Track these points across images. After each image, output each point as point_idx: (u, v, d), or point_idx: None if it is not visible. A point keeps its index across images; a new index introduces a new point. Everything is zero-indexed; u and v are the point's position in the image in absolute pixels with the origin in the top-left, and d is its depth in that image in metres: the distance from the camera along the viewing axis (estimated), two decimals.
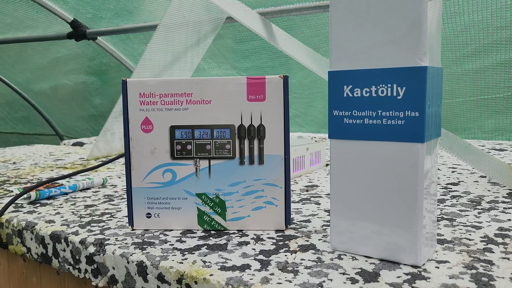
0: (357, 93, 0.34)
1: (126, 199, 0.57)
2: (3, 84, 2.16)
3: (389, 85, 0.32)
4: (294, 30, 1.13)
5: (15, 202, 0.55)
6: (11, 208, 0.53)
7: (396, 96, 0.32)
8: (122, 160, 0.88)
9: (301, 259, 0.35)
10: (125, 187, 0.63)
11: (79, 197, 0.59)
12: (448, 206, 0.49)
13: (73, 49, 1.63)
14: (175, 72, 0.93)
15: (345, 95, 0.34)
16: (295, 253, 0.36)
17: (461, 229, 0.41)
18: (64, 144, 1.29)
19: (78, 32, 1.41)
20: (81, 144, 1.22)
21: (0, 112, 2.50)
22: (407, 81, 0.31)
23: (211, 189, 0.43)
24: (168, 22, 0.77)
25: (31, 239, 0.47)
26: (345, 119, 0.34)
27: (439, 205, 0.50)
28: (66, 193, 0.61)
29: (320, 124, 1.34)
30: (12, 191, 0.62)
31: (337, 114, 0.35)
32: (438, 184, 0.61)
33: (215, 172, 0.42)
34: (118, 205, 0.54)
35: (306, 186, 0.61)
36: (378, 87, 0.33)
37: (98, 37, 1.49)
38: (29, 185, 0.67)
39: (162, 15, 0.73)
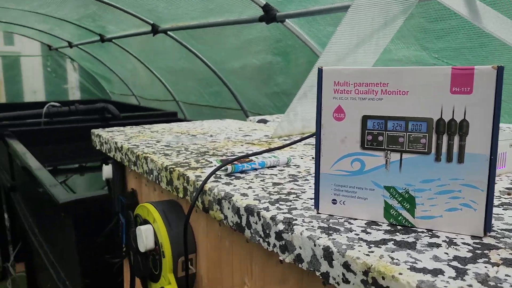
0: None
1: (309, 181, 0.59)
2: (201, 63, 2.46)
3: None
4: (502, 5, 0.97)
5: (215, 173, 0.63)
6: (212, 178, 0.61)
7: None
8: (305, 141, 0.92)
9: (506, 275, 0.31)
10: (308, 168, 0.65)
11: (266, 174, 0.63)
12: None
13: (263, 32, 1.75)
14: (360, 55, 0.91)
15: None
16: (498, 266, 0.33)
17: None
18: (250, 120, 1.41)
19: (269, 15, 1.50)
20: (265, 122, 1.31)
21: (198, 87, 2.86)
22: None
23: (400, 183, 0.41)
24: (359, 3, 0.75)
25: (228, 208, 0.53)
26: None
27: None
28: (256, 169, 0.66)
29: None
30: (211, 162, 0.71)
31: None
32: None
33: (406, 166, 0.41)
34: (302, 186, 0.57)
35: (508, 189, 0.54)
36: None
37: (286, 20, 1.56)
38: (224, 157, 0.75)
39: None
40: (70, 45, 4.09)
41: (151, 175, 0.75)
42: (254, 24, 1.66)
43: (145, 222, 0.72)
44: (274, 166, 0.69)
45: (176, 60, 2.81)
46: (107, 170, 0.98)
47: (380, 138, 0.42)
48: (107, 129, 1.09)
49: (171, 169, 0.67)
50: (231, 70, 2.28)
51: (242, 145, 0.88)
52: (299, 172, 0.65)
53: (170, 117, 3.17)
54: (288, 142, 0.90)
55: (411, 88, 0.40)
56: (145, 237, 0.69)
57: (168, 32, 2.32)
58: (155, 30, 2.33)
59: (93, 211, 1.18)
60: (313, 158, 0.75)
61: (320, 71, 0.44)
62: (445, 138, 0.39)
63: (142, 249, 0.70)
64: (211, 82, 2.61)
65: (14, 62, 5.06)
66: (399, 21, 0.88)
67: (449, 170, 0.39)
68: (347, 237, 0.39)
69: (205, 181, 0.58)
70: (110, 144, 0.95)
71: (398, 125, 0.41)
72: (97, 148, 1.06)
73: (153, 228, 0.70)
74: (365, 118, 0.42)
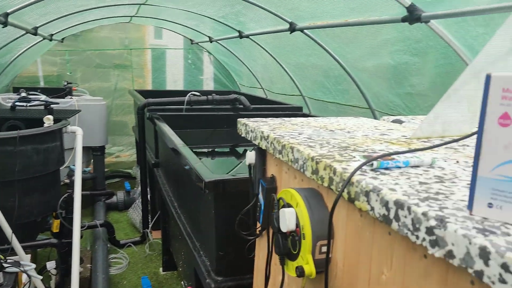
0: None
1: (456, 184, 0.60)
2: (332, 60, 2.49)
3: None
4: None
5: (362, 167, 0.67)
6: (358, 171, 0.65)
7: None
8: (448, 145, 0.91)
9: None
10: (453, 171, 0.65)
11: (411, 173, 0.65)
12: None
13: (403, 32, 1.71)
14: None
15: None
16: None
17: None
18: (384, 120, 1.41)
19: (413, 15, 1.47)
20: (400, 122, 1.30)
21: (326, 83, 2.90)
22: None
23: None
24: None
25: (376, 200, 0.56)
26: None
27: None
28: (399, 167, 0.69)
29: None
30: (355, 157, 0.75)
31: None
32: None
33: None
34: (450, 187, 0.58)
35: None
36: None
37: (431, 20, 1.51)
38: (366, 153, 0.79)
39: None
40: (210, 40, 4.44)
41: (296, 164, 0.82)
42: (395, 24, 1.64)
43: (288, 205, 0.80)
44: (418, 166, 0.70)
45: (307, 56, 2.88)
46: (250, 156, 1.09)
47: None
48: (251, 119, 1.20)
49: (318, 160, 0.73)
50: (363, 69, 2.27)
51: (381, 143, 0.90)
52: (445, 174, 0.65)
53: (296, 111, 3.26)
54: (428, 144, 0.89)
55: None
56: (288, 219, 0.76)
57: (304, 30, 2.40)
58: (292, 28, 2.42)
59: (233, 191, 1.30)
60: (457, 162, 0.74)
61: (488, 77, 0.45)
62: None
63: (284, 229, 0.77)
64: (340, 79, 2.63)
65: (161, 54, 5.67)
66: None
67: None
68: (505, 240, 0.40)
69: (353, 173, 0.62)
70: (256, 132, 1.05)
71: None
72: (242, 135, 1.17)
73: (295, 212, 0.77)
74: None
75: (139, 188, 3.82)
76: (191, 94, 3.23)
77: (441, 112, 0.98)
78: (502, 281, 0.38)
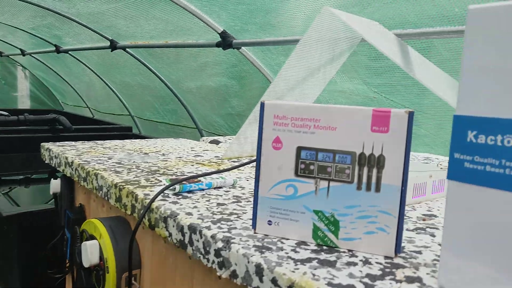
0: (481, 140, 0.34)
1: (251, 202, 0.64)
2: (159, 81, 2.48)
3: None
4: (432, 51, 1.09)
5: (163, 192, 0.66)
6: (159, 196, 0.64)
7: None
8: (253, 164, 0.97)
9: None
10: (252, 190, 0.70)
11: (212, 195, 0.67)
12: None
13: (219, 56, 1.81)
14: (308, 86, 0.97)
15: (468, 140, 0.35)
16: (401, 283, 0.38)
17: None
18: (203, 141, 1.44)
19: (225, 41, 1.56)
20: (217, 142, 1.35)
21: (154, 103, 2.87)
22: None
23: (327, 208, 0.46)
24: (308, 39, 0.82)
25: (173, 226, 0.56)
26: (465, 163, 0.35)
27: None
28: (203, 189, 0.70)
29: None
30: (161, 181, 0.74)
31: (458, 157, 0.36)
32: None
33: (333, 193, 0.46)
34: (244, 207, 0.61)
35: (424, 215, 0.61)
36: (505, 136, 0.33)
37: (242, 47, 1.63)
38: (174, 177, 0.78)
39: (300, 31, 0.79)
40: (23, 53, 3.97)
41: (101, 192, 0.77)
42: (211, 48, 1.72)
43: (92, 237, 0.74)
44: (221, 187, 0.73)
45: (133, 75, 2.81)
46: (55, 184, 0.98)
47: (312, 167, 0.47)
48: (57, 143, 1.09)
49: (121, 187, 0.70)
50: (187, 90, 2.32)
51: (192, 165, 0.91)
52: (243, 193, 0.69)
53: (125, 132, 3.13)
54: (237, 164, 0.94)
55: (339, 125, 0.45)
56: (89, 252, 0.70)
57: (126, 49, 2.33)
58: (113, 46, 2.33)
59: (38, 225, 1.16)
60: None
61: (262, 104, 0.49)
62: (365, 170, 0.45)
63: (86, 264, 0.71)
64: (168, 99, 2.63)
65: None
66: (343, 58, 0.96)
67: (368, 198, 0.45)
68: (277, 255, 0.44)
69: (152, 200, 0.61)
70: (60, 158, 0.96)
71: (327, 157, 0.46)
72: (46, 161, 1.05)
73: (99, 244, 0.71)
74: (299, 149, 0.47)
75: None
76: None
77: (248, 133, 1.05)
78: None
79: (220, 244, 0.47)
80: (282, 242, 0.47)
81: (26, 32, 2.99)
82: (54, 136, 2.95)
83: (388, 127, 0.44)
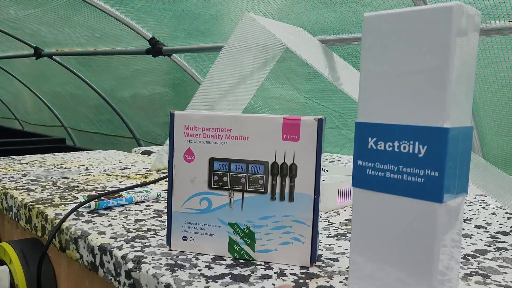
0: (380, 146, 0.34)
1: None
2: (91, 90, 2.37)
3: (411, 142, 0.32)
4: (356, 57, 1.12)
5: (77, 210, 0.62)
6: (72, 215, 0.60)
7: (418, 153, 0.32)
8: None
9: None
10: None
11: (132, 210, 0.64)
12: (488, 259, 0.47)
13: (151, 63, 1.76)
14: (240, 91, 0.96)
15: (369, 147, 0.35)
16: None
17: None
18: (135, 152, 1.39)
19: (155, 48, 1.52)
20: (149, 153, 1.31)
21: (88, 114, 2.74)
22: (428, 140, 0.31)
23: (242, 220, 0.45)
24: (231, 46, 0.81)
25: (84, 247, 0.52)
26: (368, 169, 0.35)
27: (479, 256, 0.48)
28: (122, 205, 0.66)
29: None
30: (77, 198, 0.69)
31: (361, 164, 0.35)
32: (486, 231, 0.58)
33: (247, 204, 0.45)
34: (165, 222, 0.58)
35: (346, 220, 0.61)
36: (401, 142, 0.33)
37: (173, 54, 1.59)
38: (94, 193, 0.74)
39: (228, 37, 0.78)
40: None
41: (10, 213, 0.71)
42: (143, 55, 1.67)
43: (2, 262, 0.67)
44: (143, 202, 0.69)
45: (63, 85, 2.67)
46: None
47: (225, 178, 0.45)
48: None
49: (31, 206, 0.64)
50: (121, 99, 2.24)
51: (116, 179, 0.87)
52: (166, 207, 0.66)
53: (58, 144, 2.97)
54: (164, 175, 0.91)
55: (251, 134, 0.44)
56: None
57: (54, 57, 2.21)
58: (38, 53, 2.20)
59: None
60: None
61: (172, 115, 0.47)
62: (278, 180, 0.44)
63: None
64: (102, 109, 2.53)
65: None
66: (270, 64, 0.96)
67: (282, 208, 0.44)
68: (189, 273, 0.41)
69: (63, 220, 0.57)
70: None
71: (240, 167, 0.45)
72: None
73: (9, 269, 0.65)
74: (211, 160, 0.46)
75: None
76: None
77: None
78: None
79: (130, 265, 0.45)
80: (197, 259, 0.45)
81: None
82: None
83: (298, 135, 0.43)
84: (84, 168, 0.98)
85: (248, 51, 0.83)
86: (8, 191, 0.72)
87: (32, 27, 1.91)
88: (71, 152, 1.22)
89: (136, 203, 0.68)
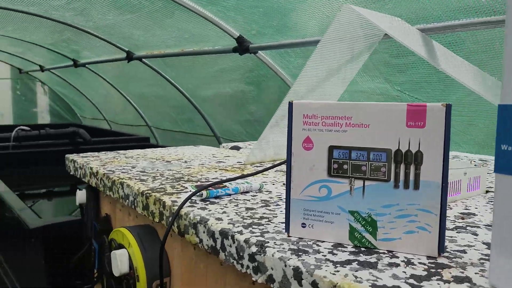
0: None
1: (280, 206, 0.62)
2: (175, 90, 2.49)
3: None
4: (458, 45, 1.06)
5: (191, 198, 0.65)
6: (187, 203, 0.63)
7: None
8: (277, 168, 0.96)
9: None
10: (279, 194, 0.69)
11: (240, 199, 0.66)
12: None
13: (236, 62, 1.81)
14: (328, 87, 0.96)
15: None
16: (449, 283, 0.36)
17: None
18: (223, 147, 1.44)
19: (242, 47, 1.56)
20: (237, 148, 1.35)
21: (171, 113, 2.89)
22: None
23: (364, 208, 0.45)
24: (328, 39, 0.81)
25: (204, 232, 0.55)
26: None
27: None
28: (229, 195, 0.69)
29: (481, 144, 1.23)
30: (186, 188, 0.73)
31: (505, 148, 0.34)
32: None
33: (368, 192, 0.45)
34: (274, 211, 0.60)
35: (461, 214, 0.59)
36: None
37: (259, 51, 1.62)
38: (199, 183, 0.78)
39: (317, 31, 0.78)
40: (42, 69, 4.05)
41: (127, 200, 0.76)
42: (228, 54, 1.72)
43: (120, 246, 0.73)
44: (247, 192, 0.72)
45: (150, 86, 2.84)
46: (80, 195, 0.99)
47: (345, 166, 0.45)
48: (81, 154, 1.10)
49: (147, 194, 0.69)
50: (204, 98, 2.33)
51: (216, 171, 0.90)
52: (271, 197, 0.68)
53: (142, 142, 3.16)
54: (261, 168, 0.93)
55: (372, 122, 0.44)
56: (119, 262, 0.70)
57: (143, 59, 2.35)
58: (129, 57, 2.35)
59: (64, 236, 1.16)
60: (283, 184, 0.78)
61: (290, 104, 0.48)
62: (402, 167, 0.43)
63: (116, 273, 0.71)
64: (184, 108, 2.64)
65: None
66: (364, 56, 0.94)
67: (406, 196, 0.43)
68: (315, 258, 0.42)
69: (181, 206, 0.60)
70: (85, 169, 0.96)
71: (361, 155, 0.45)
72: (71, 173, 1.06)
73: (128, 253, 0.71)
74: (331, 148, 0.46)
75: None
76: (19, 129, 2.88)
77: (270, 138, 1.04)
78: None
79: (254, 249, 0.46)
80: (317, 245, 0.46)
81: (45, 48, 3.05)
82: (74, 149, 2.99)
83: (424, 122, 0.42)
84: (183, 162, 1.03)
85: (344, 44, 0.82)
86: (124, 180, 0.78)
87: (126, 32, 2.05)
88: (167, 147, 1.29)
89: (241, 193, 0.71)
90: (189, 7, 1.53)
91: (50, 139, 2.96)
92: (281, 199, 0.66)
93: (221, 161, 1.05)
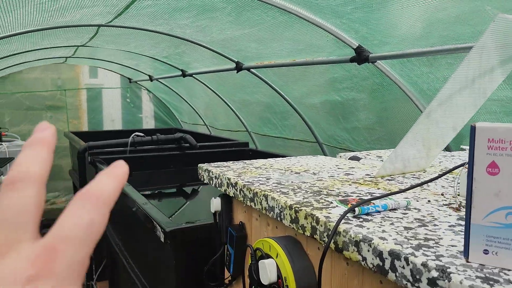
0: None
1: (438, 226, 0.61)
2: (280, 98, 2.55)
3: None
4: None
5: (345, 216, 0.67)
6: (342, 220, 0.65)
7: None
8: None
9: None
10: (430, 212, 0.67)
11: (392, 217, 0.66)
12: None
13: (350, 71, 1.80)
14: (464, 99, 0.92)
15: None
16: None
17: None
18: (340, 157, 1.44)
19: (361, 56, 1.55)
20: (357, 159, 1.34)
21: (273, 119, 2.95)
22: None
23: None
24: (481, 48, 0.77)
25: (368, 250, 0.56)
26: None
27: None
28: (379, 211, 0.70)
29: None
30: (331, 202, 0.75)
31: None
32: None
33: None
34: (435, 231, 0.59)
35: None
36: None
37: (378, 61, 1.60)
38: (340, 197, 0.79)
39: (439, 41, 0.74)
40: (151, 78, 4.39)
41: (272, 212, 0.80)
42: (342, 63, 1.72)
43: (267, 256, 0.77)
44: (395, 209, 0.71)
45: (253, 93, 2.93)
46: (216, 203, 1.05)
47: None
48: (212, 164, 1.18)
49: (296, 209, 0.72)
50: (310, 105, 2.35)
51: (349, 185, 0.91)
52: (423, 216, 0.67)
53: (242, 147, 3.27)
54: (393, 182, 0.92)
55: None
56: (269, 271, 0.74)
57: (251, 70, 2.44)
58: (239, 67, 2.46)
59: (193, 239, 1.25)
60: (428, 201, 0.77)
61: (473, 128, 0.47)
62: None
63: (265, 281, 0.75)
64: (287, 115, 2.69)
65: (97, 94, 5.50)
66: (509, 68, 0.89)
67: None
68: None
69: (338, 222, 0.62)
70: (221, 179, 1.03)
71: None
72: (205, 181, 1.14)
73: (276, 263, 0.74)
74: None
75: None
76: (135, 135, 3.14)
77: (399, 151, 1.02)
78: None
79: (435, 273, 0.46)
80: (505, 273, 0.45)
81: (159, 60, 3.31)
82: (181, 154, 3.20)
83: None
84: (311, 173, 1.05)
85: (497, 50, 0.78)
86: (267, 193, 0.82)
87: (240, 45, 2.15)
88: (288, 157, 1.33)
89: (389, 210, 0.71)
90: (311, 20, 1.55)
91: (160, 144, 3.19)
92: (436, 219, 0.65)
93: (349, 173, 1.06)
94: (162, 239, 1.29)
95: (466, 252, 0.48)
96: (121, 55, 3.65)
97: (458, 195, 0.82)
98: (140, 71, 4.42)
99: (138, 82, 5.34)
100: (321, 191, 0.84)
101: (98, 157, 2.78)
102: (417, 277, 0.49)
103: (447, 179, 0.99)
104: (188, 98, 4.47)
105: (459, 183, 0.83)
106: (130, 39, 2.71)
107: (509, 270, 0.46)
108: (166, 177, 3.20)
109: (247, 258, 0.98)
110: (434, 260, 0.48)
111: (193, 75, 3.31)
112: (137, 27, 2.34)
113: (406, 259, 0.50)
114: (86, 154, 2.90)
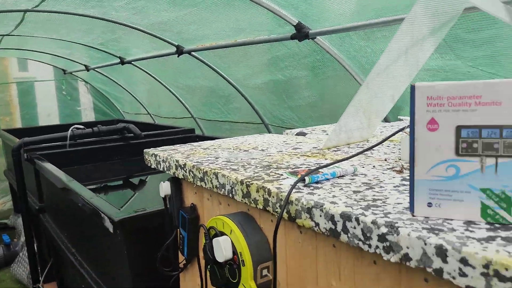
0: None
1: (384, 188, 0.63)
2: (223, 81, 2.52)
3: None
4: None
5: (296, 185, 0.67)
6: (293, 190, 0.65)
7: None
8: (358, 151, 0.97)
9: None
10: (376, 176, 0.69)
11: (341, 183, 0.68)
12: None
13: (292, 49, 1.81)
14: (400, 69, 0.95)
15: None
16: None
17: None
18: (287, 133, 1.46)
19: (301, 33, 1.56)
20: (303, 134, 1.36)
21: (217, 104, 2.93)
22: None
23: (497, 185, 0.45)
24: (413, 17, 0.80)
25: (320, 216, 0.57)
26: None
27: None
28: (328, 179, 0.71)
29: None
30: (282, 175, 0.76)
31: None
32: None
33: (502, 169, 0.45)
34: (382, 192, 0.61)
35: None
36: None
37: (317, 37, 1.62)
38: (290, 170, 0.80)
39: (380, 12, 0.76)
40: (87, 68, 4.18)
41: (223, 189, 0.80)
42: (282, 41, 1.72)
43: (221, 233, 0.77)
44: (343, 176, 0.73)
45: (196, 78, 2.88)
46: (165, 187, 1.03)
47: (475, 145, 0.46)
48: (159, 148, 1.14)
49: (248, 183, 0.72)
50: (254, 86, 2.34)
51: (298, 158, 0.92)
52: (370, 180, 0.69)
53: (188, 134, 3.23)
54: (339, 152, 0.94)
55: (505, 99, 0.44)
56: (223, 248, 0.73)
57: (192, 53, 2.39)
58: (180, 51, 2.40)
59: (144, 227, 1.22)
60: (373, 166, 0.79)
61: (412, 88, 0.49)
62: None
63: (220, 259, 0.74)
64: (231, 98, 2.68)
65: (29, 88, 5.17)
66: (443, 33, 0.93)
67: None
68: (454, 235, 0.43)
69: (290, 191, 0.62)
70: (169, 162, 1.00)
71: (492, 133, 0.45)
72: (152, 166, 1.10)
73: (231, 239, 0.74)
74: (459, 128, 0.47)
75: (22, 238, 3.40)
76: (74, 127, 2.99)
77: (343, 122, 1.04)
78: (463, 274, 0.40)
79: (384, 229, 0.48)
80: (448, 223, 0.47)
81: (93, 48, 3.15)
82: (125, 144, 3.10)
83: None
84: (260, 150, 1.05)
85: (428, 20, 0.82)
86: (217, 171, 0.81)
87: (179, 27, 2.09)
88: (235, 137, 1.32)
89: (338, 177, 0.72)
90: None
91: (102, 136, 3.07)
92: (381, 181, 0.67)
93: (296, 147, 1.07)
94: (112, 230, 1.25)
95: (412, 207, 0.50)
96: (53, 44, 3.44)
97: (400, 159, 0.85)
98: (75, 61, 4.19)
99: (73, 73, 5.07)
100: (271, 165, 0.85)
101: (35, 154, 2.63)
102: (368, 235, 0.50)
103: (389, 146, 1.03)
104: (129, 87, 4.32)
105: (400, 148, 0.87)
106: (60, 25, 2.56)
107: (451, 220, 0.48)
108: (112, 169, 3.09)
109: (201, 239, 0.97)
110: (383, 217, 0.50)
111: (132, 62, 3.19)
112: (67, 11, 2.20)
113: (357, 219, 0.51)
114: (21, 151, 2.73)
